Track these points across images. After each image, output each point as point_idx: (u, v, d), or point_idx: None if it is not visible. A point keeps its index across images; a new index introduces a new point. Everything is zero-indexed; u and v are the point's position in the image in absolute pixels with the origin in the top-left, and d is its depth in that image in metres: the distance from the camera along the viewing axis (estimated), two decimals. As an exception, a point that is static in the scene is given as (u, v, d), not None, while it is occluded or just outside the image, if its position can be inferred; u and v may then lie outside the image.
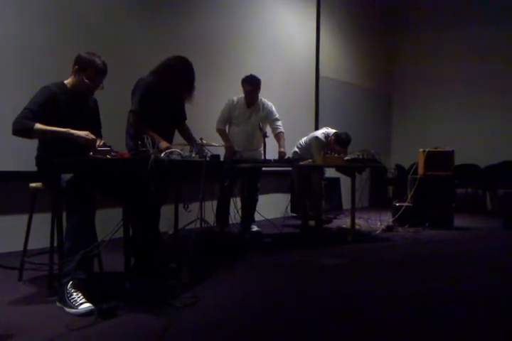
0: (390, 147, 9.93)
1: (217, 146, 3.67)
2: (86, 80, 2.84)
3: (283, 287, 3.09)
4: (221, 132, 4.99)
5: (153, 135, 3.35)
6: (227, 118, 5.00)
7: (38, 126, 2.64)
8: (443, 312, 2.60)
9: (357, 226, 5.35)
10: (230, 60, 6.04)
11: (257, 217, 5.18)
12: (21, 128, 2.65)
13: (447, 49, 9.16)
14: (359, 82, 8.85)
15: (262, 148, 4.61)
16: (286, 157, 4.92)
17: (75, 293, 2.47)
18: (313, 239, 5.03)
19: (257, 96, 4.97)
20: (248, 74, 4.99)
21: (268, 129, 5.01)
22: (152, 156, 2.55)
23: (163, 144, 3.29)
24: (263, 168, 5.03)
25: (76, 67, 2.86)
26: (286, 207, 5.81)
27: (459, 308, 2.67)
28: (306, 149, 5.40)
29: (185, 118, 3.81)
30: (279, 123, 5.11)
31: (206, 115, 5.41)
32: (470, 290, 3.06)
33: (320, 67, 7.78)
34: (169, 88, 3.45)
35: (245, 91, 4.91)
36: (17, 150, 3.60)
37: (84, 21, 4.38)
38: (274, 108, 5.08)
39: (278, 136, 5.08)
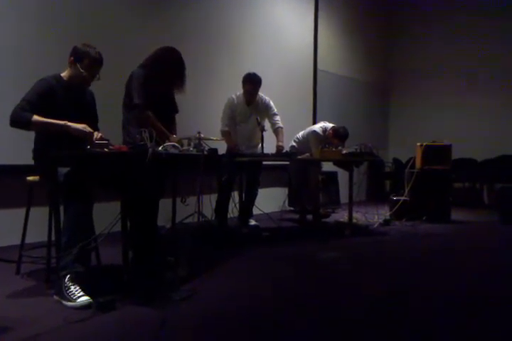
0: (388, 141, 9.94)
1: (214, 140, 3.65)
2: (82, 71, 2.83)
3: (281, 280, 3.09)
4: (226, 134, 4.83)
5: (163, 129, 3.36)
6: (231, 117, 4.88)
7: (36, 117, 2.63)
8: (439, 305, 2.61)
9: (354, 220, 5.36)
10: (227, 54, 6.01)
11: (255, 211, 5.18)
12: (19, 120, 2.64)
13: (445, 43, 9.14)
14: (357, 75, 8.84)
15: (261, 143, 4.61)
16: (283, 151, 4.92)
17: (72, 286, 2.47)
18: (310, 233, 5.04)
19: (257, 95, 4.93)
20: (245, 68, 4.95)
21: (266, 124, 4.98)
22: (150, 150, 2.54)
23: (173, 139, 3.29)
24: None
25: (72, 58, 2.86)
26: (284, 201, 5.81)
27: (456, 302, 2.69)
28: (304, 143, 5.40)
29: (176, 111, 3.70)
30: (278, 118, 5.08)
31: (204, 109, 5.41)
32: (467, 285, 3.08)
33: (318, 60, 7.77)
34: (161, 80, 3.41)
35: (246, 91, 4.85)
36: (14, 143, 3.59)
37: (80, 13, 4.36)
38: (272, 103, 5.05)
39: (277, 131, 5.06)
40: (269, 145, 4.82)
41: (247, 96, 4.87)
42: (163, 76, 3.38)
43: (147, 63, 3.44)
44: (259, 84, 4.85)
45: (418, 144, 6.12)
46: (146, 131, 2.67)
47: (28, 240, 3.10)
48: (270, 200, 5.98)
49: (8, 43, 3.91)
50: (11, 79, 3.85)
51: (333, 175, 6.99)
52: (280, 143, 4.98)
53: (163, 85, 3.43)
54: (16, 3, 3.96)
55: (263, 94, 5.01)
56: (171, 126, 3.59)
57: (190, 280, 2.91)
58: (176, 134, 3.49)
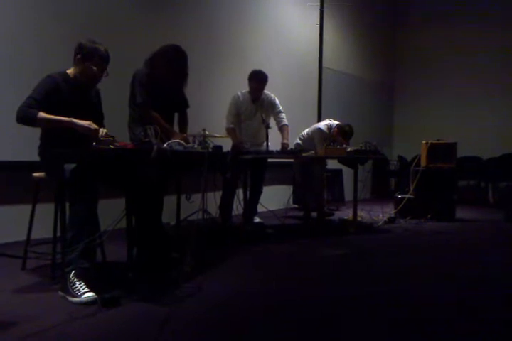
0: (393, 139, 9.92)
1: (219, 137, 3.65)
2: (94, 68, 2.83)
3: (285, 277, 3.10)
4: (232, 131, 4.80)
5: (167, 126, 3.37)
6: (237, 115, 4.87)
7: (42, 114, 2.64)
8: (442, 303, 2.61)
9: (359, 218, 5.36)
10: (233, 51, 6.01)
11: (259, 208, 5.18)
12: (25, 117, 2.65)
13: (449, 41, 9.11)
14: (362, 73, 8.82)
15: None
16: (288, 148, 4.91)
17: (77, 282, 2.49)
18: (315, 230, 5.04)
19: (262, 93, 4.91)
20: (250, 65, 4.93)
21: (271, 121, 4.98)
22: (155, 147, 2.55)
23: (177, 137, 3.28)
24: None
25: (79, 56, 2.84)
26: (289, 199, 5.81)
27: (459, 300, 2.69)
28: (309, 141, 5.39)
29: (186, 106, 3.71)
30: (283, 115, 5.08)
31: (209, 106, 5.41)
32: (470, 282, 3.07)
33: (323, 58, 7.75)
34: (162, 76, 3.42)
35: (251, 88, 4.84)
36: (20, 139, 3.60)
37: (82, 12, 4.35)
38: (277, 100, 5.04)
39: (282, 129, 5.06)
40: (274, 143, 4.82)
41: (252, 94, 4.86)
42: (164, 72, 3.38)
43: (150, 60, 3.45)
44: (265, 82, 4.83)
45: (423, 142, 6.10)
46: (151, 128, 2.68)
47: (34, 236, 3.12)
48: (275, 198, 5.98)
49: (9, 43, 3.90)
50: (13, 77, 3.85)
51: (337, 173, 6.98)
52: (285, 141, 4.97)
53: (165, 81, 3.43)
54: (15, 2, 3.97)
55: (268, 91, 5.00)
56: (182, 125, 3.61)
57: (194, 277, 2.91)
58: (186, 133, 3.49)
